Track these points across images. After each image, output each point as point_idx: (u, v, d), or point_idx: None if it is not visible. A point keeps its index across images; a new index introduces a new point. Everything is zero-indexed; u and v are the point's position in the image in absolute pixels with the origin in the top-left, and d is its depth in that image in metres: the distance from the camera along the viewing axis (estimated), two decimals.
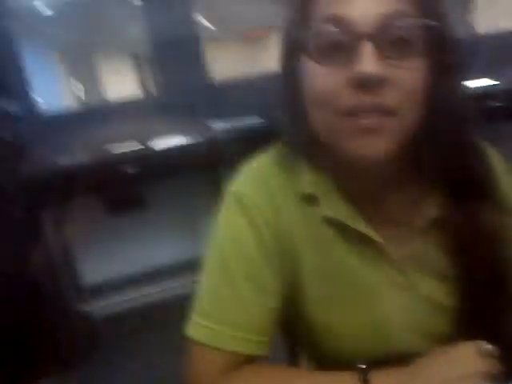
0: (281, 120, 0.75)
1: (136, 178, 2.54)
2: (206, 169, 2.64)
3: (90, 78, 6.76)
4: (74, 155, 2.66)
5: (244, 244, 0.72)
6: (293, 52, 0.68)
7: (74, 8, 4.60)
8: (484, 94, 2.63)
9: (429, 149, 0.67)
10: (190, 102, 2.96)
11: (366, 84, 0.58)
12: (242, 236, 0.72)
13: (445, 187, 0.69)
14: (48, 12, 4.89)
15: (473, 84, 2.67)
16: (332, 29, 0.60)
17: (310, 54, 0.63)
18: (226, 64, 4.01)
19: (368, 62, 0.57)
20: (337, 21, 0.60)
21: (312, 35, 0.62)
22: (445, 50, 0.63)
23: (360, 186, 0.71)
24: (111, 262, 3.01)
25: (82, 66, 6.64)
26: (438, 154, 0.67)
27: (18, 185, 2.44)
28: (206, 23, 5.49)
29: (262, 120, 2.65)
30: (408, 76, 0.60)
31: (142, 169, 2.53)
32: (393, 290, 0.72)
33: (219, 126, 2.75)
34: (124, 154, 2.61)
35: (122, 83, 6.60)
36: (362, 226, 0.70)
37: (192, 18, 3.18)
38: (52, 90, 5.36)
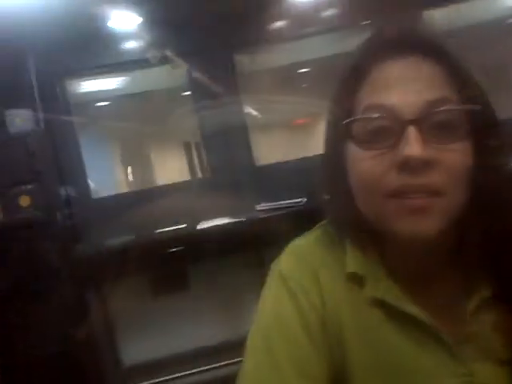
0: (324, 201, 0.76)
1: (181, 258, 2.57)
2: (251, 249, 2.66)
3: (141, 164, 7.08)
4: (122, 237, 2.75)
5: (289, 326, 0.70)
6: (337, 138, 0.70)
7: (128, 99, 4.94)
8: None
9: (476, 229, 0.66)
10: (237, 184, 3.04)
11: (412, 167, 0.60)
12: (287, 318, 0.70)
13: (495, 266, 0.67)
14: (104, 103, 5.27)
15: None
16: (376, 116, 0.63)
17: (354, 140, 0.65)
18: (273, 149, 4.12)
19: (414, 146, 0.59)
20: (381, 108, 0.63)
21: (356, 122, 0.65)
22: (488, 133, 0.65)
23: (408, 266, 0.70)
24: (153, 342, 2.99)
25: (134, 153, 6.99)
26: (486, 234, 0.66)
27: (70, 265, 2.53)
28: (253, 112, 5.70)
29: (305, 201, 2.68)
30: (453, 158, 0.61)
31: (187, 249, 2.57)
32: (447, 376, 0.67)
33: (264, 206, 2.80)
34: (170, 234, 2.67)
35: (172, 169, 6.85)
36: (413, 309, 0.67)
37: (239, 106, 3.34)
38: (106, 176, 5.64)
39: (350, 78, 0.69)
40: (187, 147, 8.22)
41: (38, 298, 2.39)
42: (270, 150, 3.99)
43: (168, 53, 3.41)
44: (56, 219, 2.62)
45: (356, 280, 0.70)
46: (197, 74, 3.35)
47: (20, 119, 2.82)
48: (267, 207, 2.75)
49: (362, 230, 0.71)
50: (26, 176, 2.60)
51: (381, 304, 0.68)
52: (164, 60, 3.44)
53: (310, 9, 3.16)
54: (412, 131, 0.60)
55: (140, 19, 3.13)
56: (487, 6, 3.90)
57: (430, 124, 0.61)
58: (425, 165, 0.60)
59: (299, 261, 0.75)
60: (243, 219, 2.68)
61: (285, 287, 0.72)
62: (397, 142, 0.61)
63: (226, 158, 3.08)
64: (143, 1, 2.94)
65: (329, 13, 3.21)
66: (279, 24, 3.31)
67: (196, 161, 7.84)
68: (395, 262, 0.70)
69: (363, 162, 0.64)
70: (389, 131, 0.62)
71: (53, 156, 2.94)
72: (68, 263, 2.51)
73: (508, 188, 0.67)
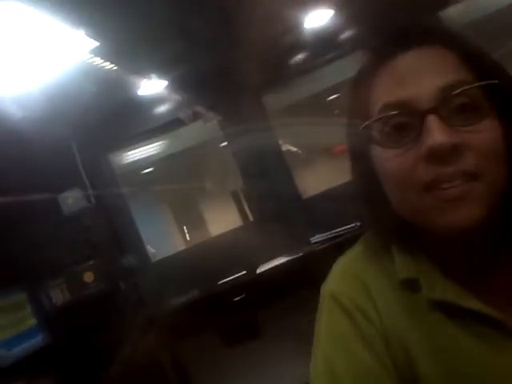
0: (362, 213, 0.74)
1: (246, 306, 2.55)
2: (314, 283, 2.60)
3: (194, 220, 7.21)
4: (186, 293, 2.77)
5: (349, 345, 0.67)
6: (360, 144, 0.69)
7: (170, 161, 5.10)
8: None
9: None
10: (287, 221, 3.03)
11: (440, 155, 0.57)
12: (345, 337, 0.68)
13: None
14: (149, 169, 5.45)
15: None
16: (394, 113, 0.61)
17: (376, 142, 0.64)
18: (317, 179, 4.11)
19: (436, 135, 0.57)
20: (396, 105, 0.61)
21: (375, 124, 0.64)
22: (511, 105, 0.61)
23: (461, 261, 0.66)
24: None
25: (185, 210, 7.15)
26: None
27: (141, 331, 2.55)
28: (291, 147, 5.72)
29: (359, 225, 2.62)
30: (481, 138, 0.58)
31: (251, 295, 2.55)
32: None
33: (319, 238, 2.76)
34: (232, 283, 2.67)
35: (224, 219, 6.93)
36: (475, 304, 0.63)
37: (276, 145, 3.37)
38: (162, 238, 5.76)
39: (361, 81, 0.68)
40: (235, 195, 8.35)
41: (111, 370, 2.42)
42: (315, 181, 3.97)
43: (198, 109, 3.51)
44: (120, 289, 2.67)
45: (410, 286, 0.67)
46: (229, 124, 3.42)
47: (71, 200, 2.95)
48: (322, 238, 2.71)
49: (405, 234, 0.68)
50: (86, 252, 2.70)
51: (440, 306, 0.64)
52: (196, 116, 3.54)
53: (326, 36, 3.19)
54: (432, 120, 0.58)
55: (165, 82, 3.25)
56: None
57: (450, 109, 0.59)
58: (452, 151, 0.57)
59: (348, 277, 0.73)
60: (301, 254, 2.64)
61: (338, 306, 0.70)
62: (419, 135, 0.59)
63: (271, 197, 3.08)
64: (165, 65, 3.06)
65: (348, 34, 3.23)
66: (300, 56, 3.36)
67: (246, 206, 7.94)
68: (446, 259, 0.66)
69: (390, 161, 0.62)
70: (409, 126, 0.60)
71: (108, 228, 3.04)
72: (138, 329, 2.53)
73: None
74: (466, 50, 0.63)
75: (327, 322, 0.71)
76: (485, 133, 0.58)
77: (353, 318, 0.68)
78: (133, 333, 2.49)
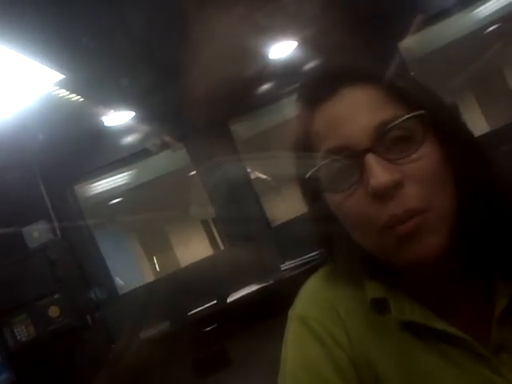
0: (325, 253, 0.75)
1: (217, 335, 2.52)
2: (284, 309, 2.60)
3: (163, 250, 7.13)
4: (156, 325, 2.72)
5: (318, 369, 0.66)
6: (311, 192, 0.69)
7: (138, 191, 5.06)
8: None
9: (477, 231, 0.63)
10: (257, 249, 3.03)
11: (385, 194, 0.59)
12: (315, 361, 0.66)
13: (510, 263, 0.64)
14: (117, 199, 5.39)
15: None
16: (334, 158, 0.62)
17: (325, 188, 0.65)
18: (287, 206, 4.14)
19: (378, 174, 0.58)
20: (336, 150, 0.63)
21: (319, 171, 0.64)
22: (448, 131, 0.63)
23: (427, 285, 0.67)
24: None
25: (155, 240, 7.06)
26: (489, 232, 0.63)
27: (110, 366, 2.49)
28: (260, 175, 5.75)
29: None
30: (421, 166, 0.60)
31: (221, 325, 2.52)
32: None
33: (288, 265, 2.76)
34: (203, 313, 2.64)
35: (194, 247, 6.89)
36: (443, 325, 0.63)
37: (245, 174, 3.39)
38: (131, 270, 5.66)
39: (298, 129, 0.69)
40: (205, 224, 8.30)
41: None
42: (284, 208, 4.00)
43: (166, 138, 3.52)
44: (87, 323, 2.61)
45: (379, 306, 0.67)
46: (198, 153, 3.43)
47: (37, 233, 2.89)
48: (292, 265, 2.72)
49: (370, 261, 0.68)
50: (52, 286, 2.63)
51: (409, 326, 0.65)
52: (164, 146, 3.55)
53: (292, 66, 3.27)
54: (371, 159, 0.59)
55: (132, 113, 3.25)
56: (462, 22, 4.01)
57: (386, 145, 0.60)
58: (396, 186, 0.59)
59: (316, 301, 0.72)
60: (271, 282, 2.64)
61: (307, 329, 0.69)
62: (363, 175, 0.60)
63: (241, 226, 3.08)
64: (132, 95, 3.07)
65: (310, 65, 3.31)
66: (266, 86, 3.43)
67: (216, 235, 7.90)
68: (412, 284, 0.67)
69: (342, 204, 0.64)
70: (351, 168, 0.62)
71: (74, 261, 2.97)
72: (107, 364, 2.47)
73: (492, 178, 0.64)
74: (393, 83, 0.65)
75: (296, 346, 0.70)
76: (423, 160, 0.60)
77: (323, 343, 0.67)
78: (103, 370, 2.42)
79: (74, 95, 2.73)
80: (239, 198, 3.22)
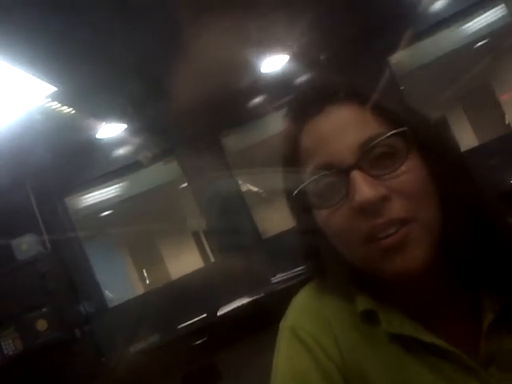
0: (313, 267, 0.75)
1: (208, 349, 2.51)
2: (274, 323, 2.59)
3: (154, 263, 7.09)
4: (146, 339, 2.70)
5: (310, 381, 0.66)
6: (298, 208, 0.70)
7: (129, 203, 5.04)
8: None
9: (461, 245, 0.64)
10: (248, 261, 3.02)
11: (370, 209, 0.60)
12: (306, 373, 0.67)
13: (497, 277, 0.65)
14: (107, 212, 5.37)
15: None
16: (321, 174, 0.64)
17: (312, 204, 0.66)
18: (278, 219, 4.14)
19: (363, 190, 0.60)
20: (320, 168, 0.64)
21: (306, 189, 0.66)
22: (432, 146, 0.65)
23: (412, 298, 0.67)
24: None
25: (146, 253, 7.03)
26: (474, 247, 0.64)
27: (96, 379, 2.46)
28: (251, 187, 5.76)
29: None
30: (405, 181, 0.61)
31: (212, 338, 2.51)
32: None
33: (279, 277, 2.76)
34: (192, 327, 2.62)
35: (185, 260, 6.86)
36: (433, 338, 0.64)
37: (236, 186, 3.40)
38: (121, 282, 5.62)
39: (287, 147, 0.70)
40: (196, 236, 8.28)
41: None
42: (275, 221, 4.00)
43: (157, 151, 3.52)
44: (75, 337, 2.58)
45: (369, 318, 0.67)
46: (188, 165, 3.44)
47: (26, 245, 2.87)
48: (283, 277, 2.71)
49: (358, 274, 0.69)
50: (40, 299, 2.60)
51: (398, 339, 0.66)
52: (155, 158, 3.55)
53: (284, 79, 3.29)
54: (356, 176, 0.61)
55: (124, 125, 3.26)
56: (451, 37, 4.07)
57: (371, 161, 0.62)
58: (381, 201, 0.60)
59: (308, 312, 0.72)
60: (262, 295, 2.63)
61: (298, 341, 0.69)
62: (348, 191, 0.62)
63: (233, 238, 3.08)
64: (123, 109, 3.07)
65: (301, 79, 3.34)
66: (258, 99, 3.45)
67: (207, 247, 7.87)
68: (401, 296, 0.67)
69: (328, 220, 0.65)
70: (338, 184, 0.63)
71: (64, 274, 2.95)
72: (95, 378, 2.44)
73: (475, 193, 0.65)
74: (377, 101, 0.66)
75: (287, 357, 0.70)
76: (407, 175, 0.62)
77: (314, 355, 0.68)
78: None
79: (65, 107, 2.73)
80: (230, 210, 3.22)
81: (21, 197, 3.14)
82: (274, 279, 2.77)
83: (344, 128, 0.64)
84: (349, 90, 0.68)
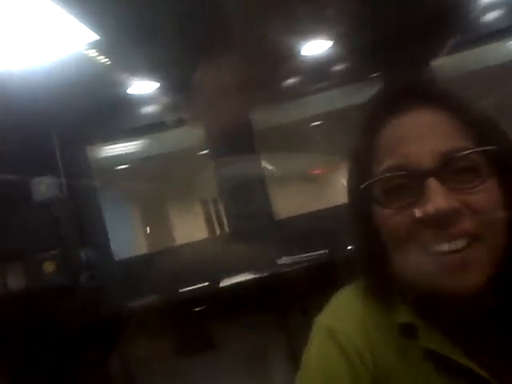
0: (361, 263, 0.74)
1: (205, 317, 2.54)
2: (274, 304, 2.61)
3: (161, 224, 7.14)
4: (146, 297, 2.74)
5: (340, 383, 0.65)
6: (361, 201, 0.68)
7: (147, 162, 5.06)
8: None
9: None
10: (257, 239, 3.03)
11: (440, 220, 0.58)
12: (337, 374, 0.66)
13: None
14: (124, 166, 5.39)
15: None
16: (396, 174, 0.62)
17: (377, 201, 0.64)
18: (291, 201, 4.15)
19: (437, 198, 0.58)
20: (398, 167, 0.62)
21: (376, 183, 0.64)
22: (509, 166, 0.63)
23: (457, 319, 0.66)
24: None
25: (154, 213, 7.07)
26: None
27: (95, 327, 2.51)
28: (270, 167, 5.75)
29: (328, 252, 2.65)
30: (480, 200, 0.59)
31: (211, 307, 2.54)
32: None
33: (286, 260, 2.78)
34: (193, 293, 2.65)
35: (192, 227, 6.89)
36: (467, 361, 0.63)
37: (257, 162, 3.39)
38: (127, 238, 5.67)
39: (364, 140, 0.69)
40: (205, 204, 8.28)
41: (61, 363, 2.37)
42: (288, 203, 4.00)
43: (184, 114, 3.51)
44: (79, 283, 2.63)
45: (407, 331, 0.66)
46: (213, 134, 3.43)
47: (44, 186, 2.90)
48: (289, 261, 2.73)
49: (403, 286, 0.67)
50: (51, 242, 2.64)
51: (433, 357, 0.64)
52: (180, 122, 3.54)
53: (322, 64, 3.26)
54: (432, 184, 0.59)
55: (157, 84, 3.25)
56: (495, 51, 3.98)
57: (450, 172, 0.60)
58: (451, 215, 0.58)
59: (346, 313, 0.71)
60: (266, 274, 2.65)
61: (334, 343, 0.68)
62: (419, 197, 0.60)
63: (245, 214, 3.09)
64: (159, 67, 3.06)
65: (340, 67, 3.30)
66: (292, 80, 3.41)
67: (214, 218, 7.89)
68: (444, 315, 0.66)
69: (389, 219, 0.63)
70: (409, 187, 0.61)
71: (76, 221, 2.98)
72: (92, 326, 2.49)
73: None
74: (466, 112, 0.65)
75: (321, 357, 0.69)
76: (483, 194, 0.60)
77: (349, 360, 0.66)
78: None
79: (103, 58, 2.72)
80: (247, 185, 3.22)
81: (45, 139, 3.17)
82: (280, 261, 2.79)
83: (429, 132, 0.63)
84: (440, 94, 0.66)
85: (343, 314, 0.72)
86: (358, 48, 3.24)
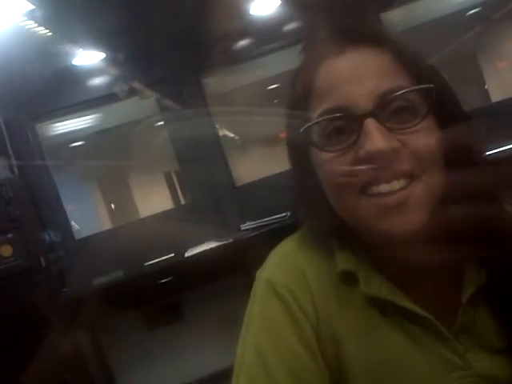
0: (301, 211, 0.74)
1: (172, 289, 2.53)
2: (241, 270, 2.62)
3: (123, 199, 7.04)
4: (110, 274, 2.70)
5: (283, 336, 0.66)
6: (299, 147, 0.69)
7: (101, 136, 4.93)
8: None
9: (457, 215, 0.63)
10: (219, 207, 3.02)
11: (379, 160, 0.58)
12: (279, 327, 0.67)
13: (485, 252, 0.65)
14: (79, 143, 5.24)
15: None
16: (333, 116, 0.62)
17: (315, 144, 0.64)
18: (252, 167, 4.13)
19: (376, 138, 0.58)
20: (334, 109, 0.62)
21: (314, 127, 0.64)
22: (448, 109, 0.64)
23: (397, 261, 0.67)
24: (153, 377, 2.91)
25: (115, 188, 6.96)
26: (469, 217, 0.63)
27: (60, 310, 2.47)
28: (228, 133, 5.71)
29: (289, 215, 2.66)
30: (418, 139, 0.60)
31: (177, 278, 2.53)
32: (447, 370, 0.65)
33: (249, 225, 2.78)
34: (159, 265, 2.63)
35: (154, 199, 6.82)
36: (409, 303, 0.65)
37: (213, 129, 3.34)
38: (88, 215, 5.58)
39: (299, 85, 0.68)
40: (168, 176, 8.20)
41: (28, 348, 2.33)
42: (249, 169, 3.99)
43: (135, 84, 3.40)
44: (40, 265, 2.56)
45: (347, 279, 0.68)
46: (167, 103, 3.35)
47: None
48: (252, 226, 2.73)
49: (345, 233, 0.69)
50: (5, 225, 2.55)
51: (375, 302, 0.66)
52: (132, 92, 3.43)
53: (272, 24, 3.19)
54: (370, 124, 0.59)
55: (103, 54, 3.12)
56: (446, 2, 4.01)
57: (388, 113, 0.60)
58: (391, 154, 0.58)
59: (286, 265, 0.72)
60: (230, 241, 2.65)
61: (274, 294, 0.69)
62: (358, 138, 0.60)
63: (205, 182, 3.06)
64: (104, 36, 2.94)
65: (291, 26, 3.25)
66: (243, 42, 3.34)
67: (178, 189, 7.83)
68: (383, 258, 0.67)
69: (327, 163, 0.63)
70: (348, 129, 0.61)
71: (31, 202, 2.89)
72: (57, 308, 2.44)
73: (483, 167, 0.65)
74: (404, 53, 0.64)
75: (261, 309, 0.70)
76: (421, 134, 0.60)
77: (289, 309, 0.68)
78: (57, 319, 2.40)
79: (42, 28, 2.58)
80: (205, 154, 3.18)
81: None
82: (244, 226, 2.78)
83: (366, 73, 0.61)
84: (375, 34, 0.65)
85: (283, 267, 0.72)
86: (307, 5, 3.18)
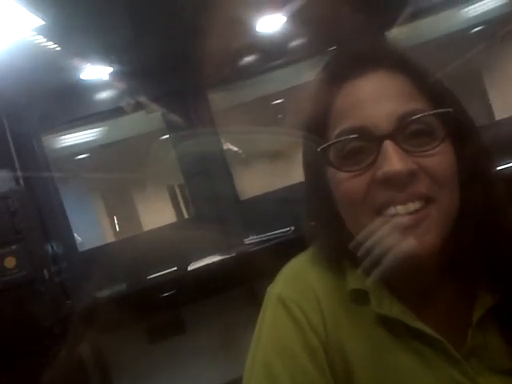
0: (313, 228, 0.74)
1: (175, 302, 2.53)
2: (244, 284, 2.62)
3: (126, 212, 7.05)
4: (113, 287, 2.70)
5: (292, 351, 0.66)
6: (316, 165, 0.69)
7: (107, 149, 4.95)
8: None
9: (471, 236, 0.64)
10: (223, 220, 3.03)
11: (396, 182, 0.59)
12: (288, 342, 0.67)
13: (495, 273, 0.65)
14: (84, 155, 5.27)
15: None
16: (352, 137, 0.62)
17: (332, 165, 0.65)
18: (256, 181, 4.14)
19: (394, 161, 0.58)
20: (353, 130, 0.62)
21: (332, 147, 0.64)
22: (465, 134, 0.65)
23: (409, 282, 0.67)
24: None
25: (118, 201, 6.97)
26: (481, 240, 0.64)
27: (63, 322, 2.46)
28: (232, 147, 5.73)
29: (293, 229, 2.67)
30: (434, 162, 0.60)
31: (180, 291, 2.52)
32: None
33: (252, 239, 2.78)
34: (162, 279, 2.63)
35: (158, 213, 6.83)
36: (420, 324, 0.64)
37: (218, 144, 3.36)
38: (92, 228, 5.59)
39: (318, 104, 0.68)
40: (171, 190, 8.22)
41: (31, 360, 2.32)
42: (253, 183, 4.00)
43: (141, 99, 3.44)
44: (43, 277, 2.56)
45: (358, 297, 0.68)
46: (172, 117, 3.38)
47: None
48: (256, 240, 2.73)
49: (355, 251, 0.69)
50: (10, 237, 2.56)
51: (385, 321, 0.66)
52: (138, 106, 3.47)
53: (278, 40, 3.22)
54: (388, 146, 0.59)
55: (110, 69, 3.16)
56: (450, 19, 4.04)
57: (405, 135, 0.61)
58: (408, 177, 0.59)
59: (297, 282, 0.72)
60: (233, 255, 2.65)
61: (284, 310, 0.69)
62: (375, 159, 0.61)
63: (209, 196, 3.07)
64: (111, 51, 2.97)
65: (296, 43, 3.28)
66: (249, 58, 3.38)
67: (181, 202, 7.84)
68: (395, 278, 0.67)
69: (344, 183, 0.64)
70: (365, 150, 0.62)
71: (36, 214, 2.90)
72: (60, 320, 2.44)
73: (495, 190, 0.65)
74: (421, 76, 0.65)
75: (272, 325, 0.70)
76: (438, 157, 0.61)
77: (299, 326, 0.67)
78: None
79: (51, 43, 2.62)
80: (210, 167, 3.19)
81: None
82: (247, 240, 2.79)
83: (385, 95, 0.62)
84: (395, 57, 0.66)
85: (294, 283, 0.72)
86: (313, 22, 3.22)
